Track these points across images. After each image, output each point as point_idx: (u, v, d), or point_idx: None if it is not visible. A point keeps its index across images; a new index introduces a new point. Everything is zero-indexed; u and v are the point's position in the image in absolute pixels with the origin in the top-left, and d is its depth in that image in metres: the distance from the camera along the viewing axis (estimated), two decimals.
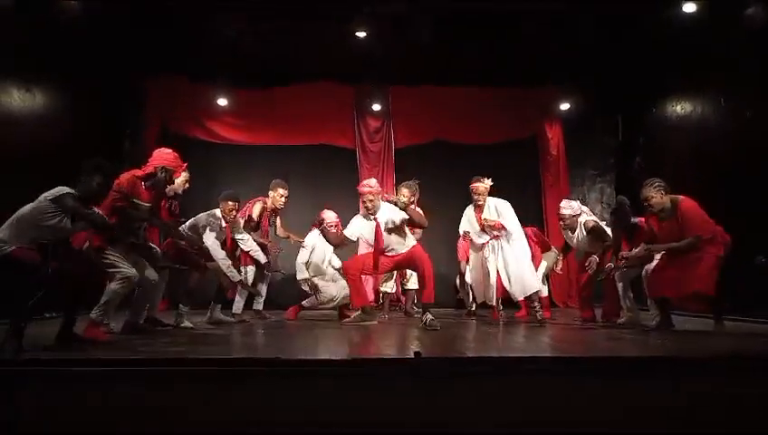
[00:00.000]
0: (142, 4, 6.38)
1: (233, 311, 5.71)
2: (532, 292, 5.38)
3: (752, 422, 2.78)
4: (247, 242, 5.57)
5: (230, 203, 5.31)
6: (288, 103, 7.62)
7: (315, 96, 7.66)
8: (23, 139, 5.48)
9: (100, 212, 3.91)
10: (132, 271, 4.05)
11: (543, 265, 6.18)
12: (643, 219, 5.01)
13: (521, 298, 5.48)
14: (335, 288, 5.97)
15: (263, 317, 5.91)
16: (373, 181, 5.32)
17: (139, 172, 4.33)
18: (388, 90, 7.82)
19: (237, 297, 5.78)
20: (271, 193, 5.93)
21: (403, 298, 6.74)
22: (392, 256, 5.21)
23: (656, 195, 4.54)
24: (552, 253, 6.24)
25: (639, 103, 7.45)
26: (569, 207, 5.69)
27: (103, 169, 3.76)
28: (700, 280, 4.31)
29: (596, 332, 4.81)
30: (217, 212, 5.32)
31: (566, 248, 5.93)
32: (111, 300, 3.96)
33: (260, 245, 5.75)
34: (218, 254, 5.21)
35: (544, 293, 6.19)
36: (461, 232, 5.76)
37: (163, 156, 4.42)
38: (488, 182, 5.48)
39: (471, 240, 5.69)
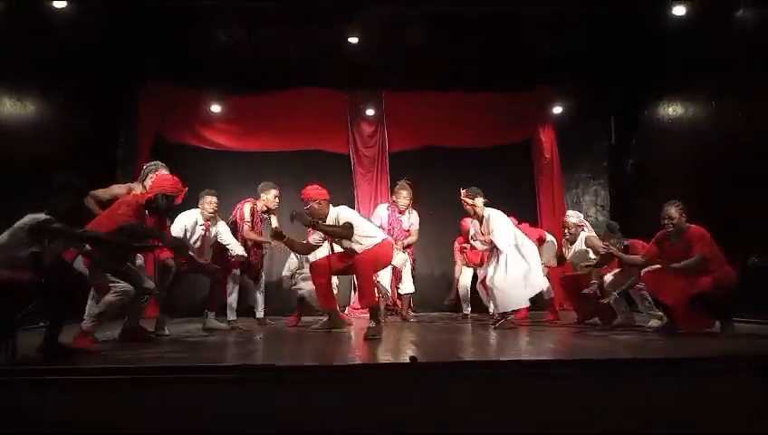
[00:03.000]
0: (135, 11, 6.38)
1: (228, 318, 5.70)
2: (506, 310, 5.28)
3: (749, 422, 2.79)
4: (224, 236, 5.52)
5: (208, 198, 5.37)
6: (282, 109, 7.61)
7: (309, 102, 7.65)
8: (16, 148, 5.45)
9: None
10: (126, 286, 4.03)
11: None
12: (635, 241, 5.14)
13: (497, 311, 5.36)
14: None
15: (263, 324, 5.94)
16: (310, 188, 5.01)
17: (140, 198, 4.30)
18: (381, 95, 7.83)
19: (230, 304, 5.77)
20: (263, 195, 5.92)
21: (399, 302, 6.73)
22: (352, 257, 4.89)
23: (677, 216, 4.62)
24: (550, 242, 6.27)
25: (632, 105, 7.48)
26: (575, 215, 5.82)
27: (74, 186, 3.70)
28: (699, 287, 4.37)
29: (592, 335, 4.82)
30: (190, 217, 5.32)
31: (560, 260, 5.99)
32: (107, 312, 3.94)
33: (257, 243, 5.80)
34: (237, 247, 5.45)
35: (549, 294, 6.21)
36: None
37: (163, 182, 4.41)
38: (471, 191, 5.39)
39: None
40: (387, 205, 6.56)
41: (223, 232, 5.52)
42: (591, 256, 5.53)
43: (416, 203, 6.46)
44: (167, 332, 4.91)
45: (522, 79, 7.63)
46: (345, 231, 4.80)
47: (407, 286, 6.44)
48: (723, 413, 2.80)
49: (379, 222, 6.18)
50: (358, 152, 7.90)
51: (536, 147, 8.03)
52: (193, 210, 5.40)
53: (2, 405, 2.65)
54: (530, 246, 5.41)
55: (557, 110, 7.84)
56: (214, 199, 5.41)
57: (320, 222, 4.84)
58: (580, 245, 5.68)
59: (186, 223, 5.31)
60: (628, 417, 2.78)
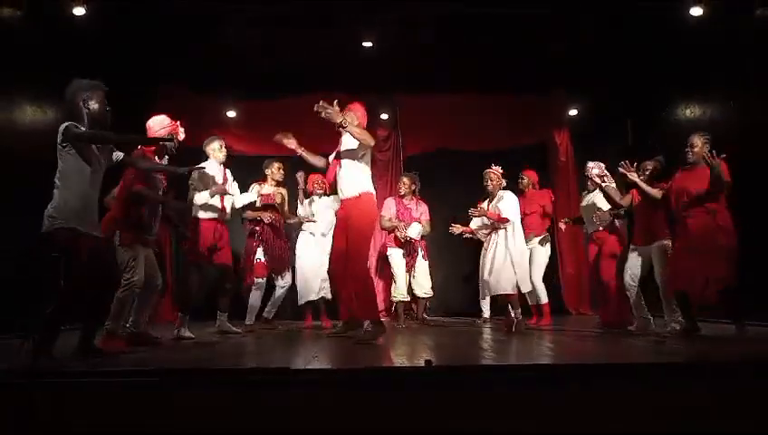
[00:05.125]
0: (151, 17, 6.44)
1: (245, 322, 5.71)
2: (502, 292, 5.33)
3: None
4: (234, 189, 5.52)
5: (215, 143, 5.35)
6: (297, 114, 7.59)
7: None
8: (37, 153, 5.50)
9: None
10: (138, 277, 4.05)
11: (541, 269, 6.18)
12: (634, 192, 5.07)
13: (492, 293, 5.46)
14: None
15: (272, 326, 5.88)
16: (360, 105, 4.96)
17: (147, 151, 4.31)
18: (395, 99, 7.83)
19: (250, 308, 5.78)
20: (267, 172, 6.00)
21: (415, 306, 6.71)
22: (342, 210, 4.73)
23: (700, 144, 4.50)
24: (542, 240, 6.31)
25: (648, 107, 7.41)
26: (597, 166, 5.55)
27: (88, 88, 3.66)
28: (719, 269, 4.29)
29: (610, 339, 4.77)
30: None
31: (577, 220, 5.98)
32: (120, 309, 3.99)
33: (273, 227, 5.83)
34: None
35: (544, 299, 6.15)
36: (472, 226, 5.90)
37: (160, 124, 4.44)
38: (498, 169, 5.63)
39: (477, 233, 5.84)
40: (393, 198, 6.68)
41: (234, 186, 5.52)
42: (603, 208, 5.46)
43: (420, 192, 6.60)
44: (188, 334, 4.89)
45: (536, 81, 7.59)
46: (369, 138, 4.56)
47: (425, 289, 6.44)
48: (741, 420, 2.75)
49: (388, 214, 6.40)
50: (372, 156, 7.88)
51: (551, 150, 7.99)
52: (204, 162, 5.29)
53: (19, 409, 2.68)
54: (522, 241, 5.54)
55: (572, 112, 7.79)
56: (218, 143, 5.36)
57: (347, 123, 4.51)
58: (596, 195, 5.54)
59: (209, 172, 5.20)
60: (640, 422, 2.74)
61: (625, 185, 5.17)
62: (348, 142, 4.72)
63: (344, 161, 4.70)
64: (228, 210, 5.31)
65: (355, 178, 4.65)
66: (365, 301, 4.45)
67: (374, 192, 4.78)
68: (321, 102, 4.43)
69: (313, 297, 6.14)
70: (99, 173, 3.58)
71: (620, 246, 5.46)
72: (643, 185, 4.88)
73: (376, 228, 5.77)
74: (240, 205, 5.60)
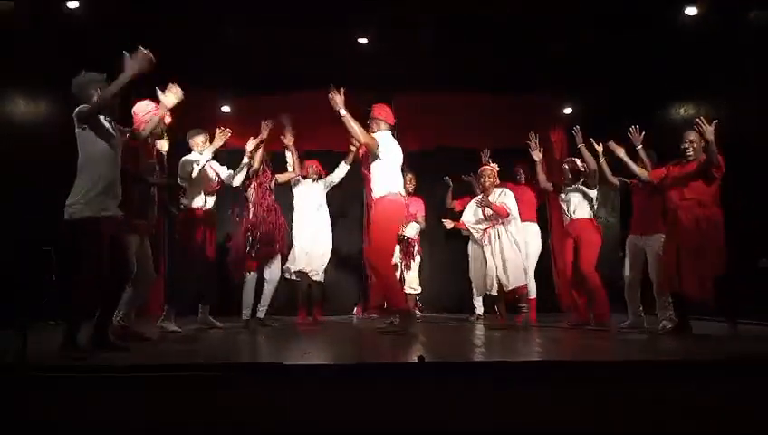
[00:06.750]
0: (148, 11, 6.40)
1: (243, 317, 5.64)
2: (519, 284, 5.36)
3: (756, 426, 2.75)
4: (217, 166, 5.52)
5: (199, 137, 5.30)
6: (293, 111, 7.60)
7: (319, 104, 7.62)
8: (30, 147, 5.49)
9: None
10: (131, 268, 4.02)
11: (533, 262, 6.19)
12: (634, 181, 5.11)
13: (512, 287, 5.39)
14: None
15: (264, 325, 5.72)
16: (382, 106, 5.22)
17: (132, 142, 4.20)
18: (390, 97, 7.80)
19: (245, 302, 5.71)
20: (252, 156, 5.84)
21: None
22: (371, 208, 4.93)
23: (697, 140, 4.49)
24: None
25: (643, 106, 7.41)
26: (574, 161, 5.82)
27: (100, 80, 3.75)
28: (708, 265, 4.30)
29: (602, 336, 4.78)
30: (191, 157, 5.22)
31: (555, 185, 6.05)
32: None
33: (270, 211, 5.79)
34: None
35: (532, 294, 6.16)
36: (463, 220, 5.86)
37: (144, 109, 4.42)
38: (495, 166, 5.77)
39: (470, 233, 5.80)
40: None
41: (223, 169, 5.56)
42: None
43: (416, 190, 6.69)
44: (173, 328, 4.87)
45: (531, 81, 7.57)
46: (369, 140, 4.73)
47: (413, 285, 6.44)
48: (734, 419, 2.76)
49: None
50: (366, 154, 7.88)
51: (546, 148, 7.97)
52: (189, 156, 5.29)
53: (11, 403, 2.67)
54: (523, 236, 5.60)
55: (567, 111, 7.80)
56: (203, 137, 5.33)
57: (345, 113, 4.71)
58: (577, 188, 5.68)
59: (192, 159, 5.20)
60: (635, 421, 2.74)
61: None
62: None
63: (372, 163, 4.93)
64: (212, 201, 5.34)
65: (378, 180, 4.85)
66: (390, 294, 4.81)
67: (399, 192, 4.90)
68: (333, 88, 4.69)
69: (302, 268, 6.03)
70: (117, 152, 3.65)
71: (597, 239, 5.46)
72: (628, 160, 4.91)
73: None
74: (239, 182, 5.60)
